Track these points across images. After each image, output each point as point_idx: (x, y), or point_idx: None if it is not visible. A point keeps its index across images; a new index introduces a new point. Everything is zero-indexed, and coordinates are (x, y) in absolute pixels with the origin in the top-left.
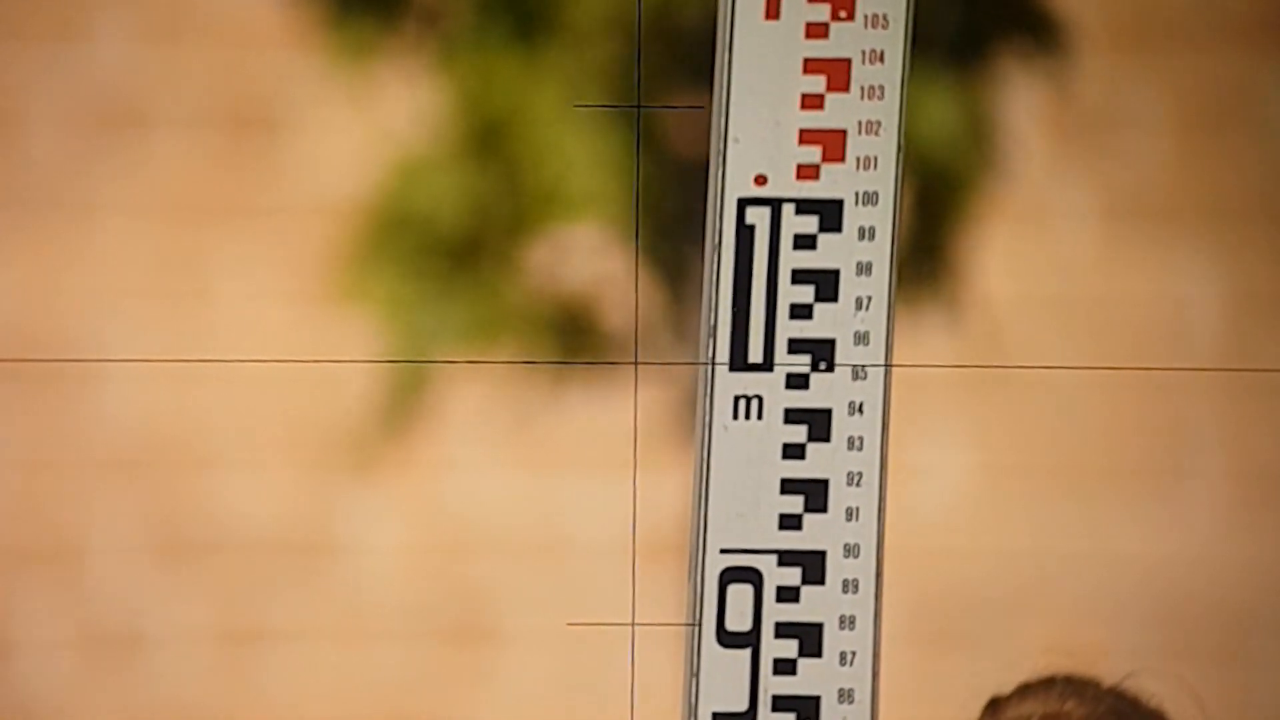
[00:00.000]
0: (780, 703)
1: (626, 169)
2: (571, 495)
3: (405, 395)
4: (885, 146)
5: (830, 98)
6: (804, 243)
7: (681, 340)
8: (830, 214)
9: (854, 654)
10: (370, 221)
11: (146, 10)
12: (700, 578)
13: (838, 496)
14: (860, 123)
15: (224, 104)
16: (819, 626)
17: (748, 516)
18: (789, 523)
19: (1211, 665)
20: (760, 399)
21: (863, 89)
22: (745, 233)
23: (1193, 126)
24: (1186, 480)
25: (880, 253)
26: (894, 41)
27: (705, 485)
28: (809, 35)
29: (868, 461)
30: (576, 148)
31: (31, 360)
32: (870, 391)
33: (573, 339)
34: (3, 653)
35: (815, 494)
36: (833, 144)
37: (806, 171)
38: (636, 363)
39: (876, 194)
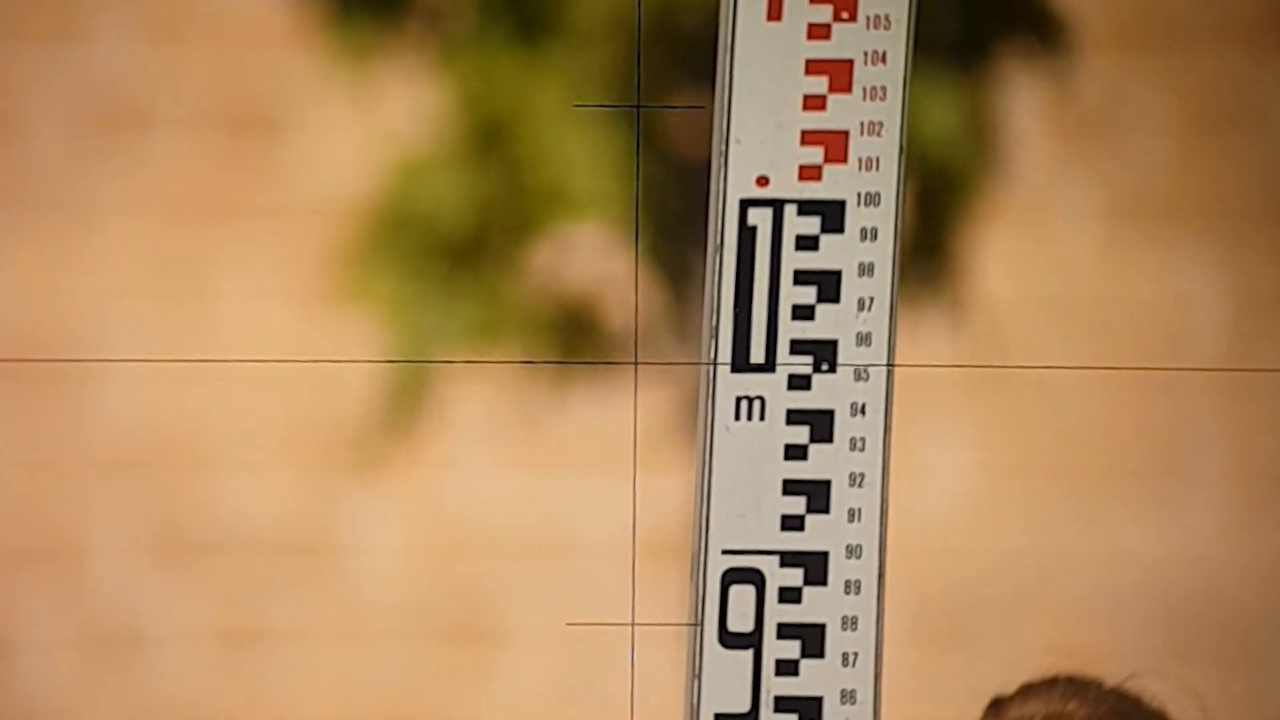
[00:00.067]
0: (782, 704)
1: (628, 169)
2: (572, 495)
3: (406, 395)
4: (887, 147)
5: (832, 99)
6: (806, 244)
7: (683, 340)
8: (832, 215)
9: (856, 655)
10: (371, 222)
11: (147, 10)
12: (702, 578)
13: (840, 497)
14: (862, 124)
15: (225, 104)
16: (821, 627)
17: (750, 517)
18: (791, 524)
19: (1213, 665)
20: (762, 400)
21: (865, 90)
22: (747, 234)
23: (1194, 127)
24: (1187, 480)
25: (882, 254)
26: (896, 42)
27: (707, 486)
28: (811, 36)
29: (870, 462)
30: (578, 148)
31: (32, 360)
32: (872, 392)
33: (574, 339)
34: (3, 653)
35: (817, 495)
36: (835, 145)
37: (808, 172)
38: (636, 363)
39: (879, 195)
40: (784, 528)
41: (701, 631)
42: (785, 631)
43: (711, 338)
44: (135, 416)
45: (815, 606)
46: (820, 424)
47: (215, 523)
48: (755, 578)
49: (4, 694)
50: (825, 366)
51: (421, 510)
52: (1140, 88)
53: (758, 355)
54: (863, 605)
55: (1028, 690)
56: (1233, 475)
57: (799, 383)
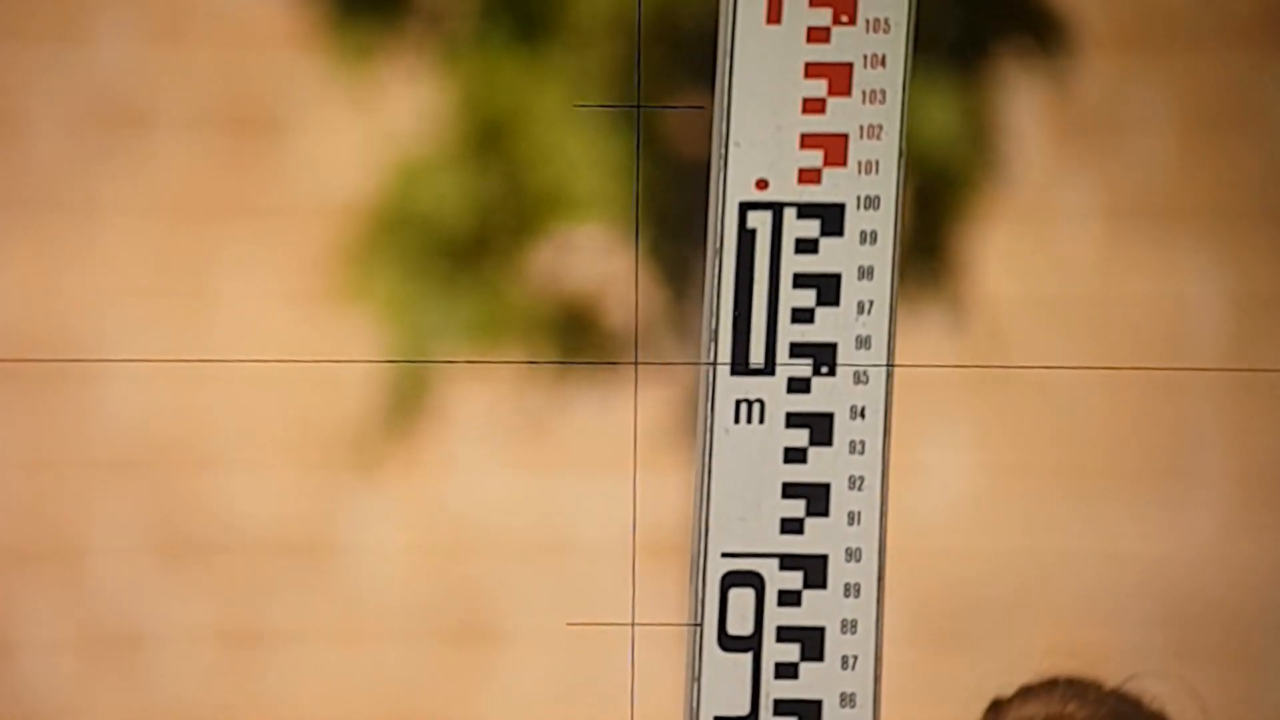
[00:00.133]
0: (782, 707)
1: (628, 169)
2: (572, 495)
3: (407, 395)
4: (887, 151)
5: (832, 102)
6: (805, 247)
7: (683, 341)
8: (832, 218)
9: (856, 658)
10: (372, 222)
11: (148, 10)
12: (702, 581)
13: (839, 500)
14: (862, 127)
15: (226, 104)
16: (821, 630)
17: (749, 520)
18: (790, 527)
19: (1213, 665)
20: (762, 403)
21: (864, 93)
22: (747, 237)
23: (1194, 126)
24: (1188, 480)
25: (882, 257)
26: (895, 46)
27: (707, 489)
28: (810, 39)
29: (869, 465)
30: (578, 148)
31: (33, 360)
32: (872, 395)
33: (575, 339)
34: (4, 653)
35: (817, 498)
36: (834, 148)
37: (808, 176)
38: (636, 362)
39: (878, 198)
40: (783, 531)
41: (701, 634)
42: (785, 634)
43: (711, 340)
44: (136, 416)
45: (815, 609)
46: (820, 427)
47: (216, 523)
48: (755, 581)
49: (5, 694)
50: (825, 369)
51: (422, 510)
52: (1140, 88)
53: (757, 358)
54: (862, 608)
55: (1027, 692)
56: (1233, 475)
57: (798, 386)
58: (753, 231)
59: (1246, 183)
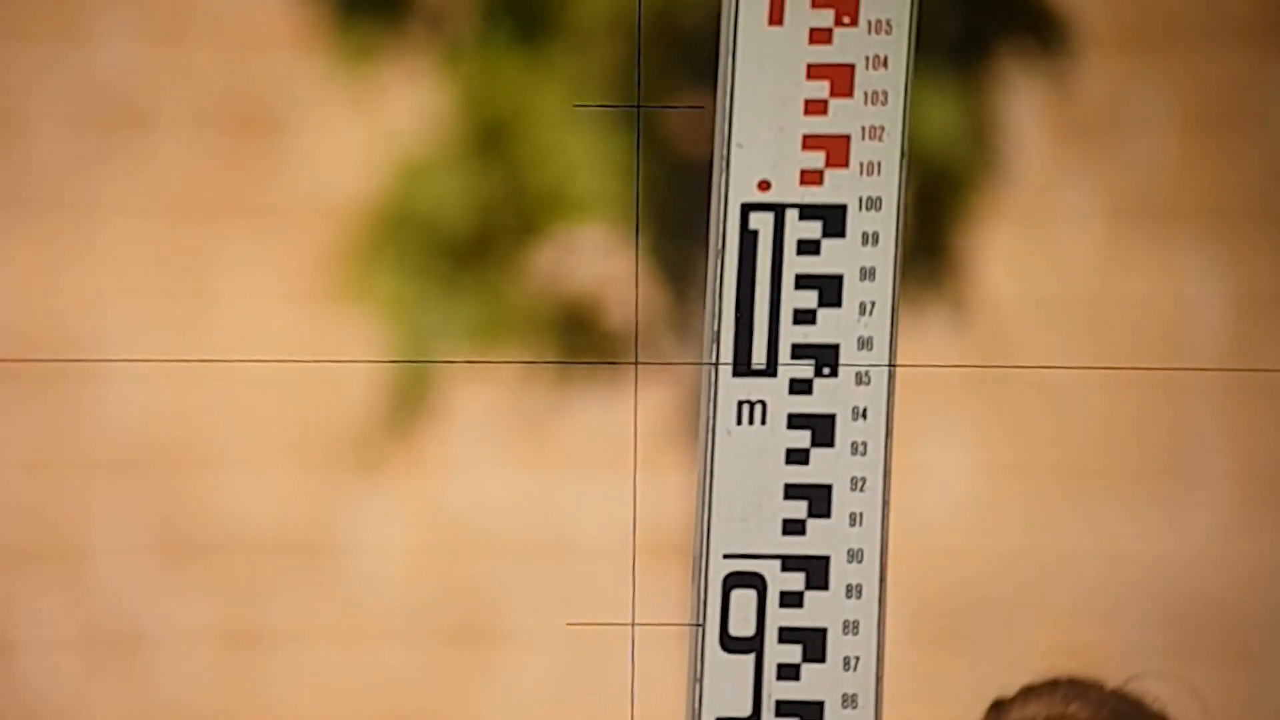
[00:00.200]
0: (784, 708)
1: (630, 170)
2: (573, 496)
3: (407, 396)
4: (889, 152)
5: (834, 103)
6: (807, 248)
7: (684, 341)
8: (834, 219)
9: (858, 659)
10: (373, 222)
11: (149, 10)
12: (704, 582)
13: (841, 501)
14: (864, 128)
15: (227, 104)
16: (822, 631)
17: (751, 521)
18: (792, 528)
19: (1214, 665)
20: (764, 404)
21: (866, 94)
22: (749, 238)
23: (1195, 126)
24: (1188, 480)
25: (884, 258)
26: (898, 47)
27: (708, 490)
28: (812, 40)
29: (871, 466)
30: (580, 149)
31: (33, 360)
32: (874, 396)
33: (576, 340)
34: (4, 653)
35: (819, 499)
36: (836, 149)
37: (810, 177)
38: (637, 362)
39: (880, 199)
40: (785, 532)
41: (703, 635)
42: (786, 636)
43: (713, 341)
44: (136, 416)
45: (816, 611)
46: (821, 428)
47: (216, 523)
48: (757, 582)
49: (5, 694)
50: (827, 371)
51: (422, 510)
52: (1140, 88)
53: (759, 359)
54: (864, 609)
55: (1029, 692)
56: (1233, 475)
57: (800, 387)
58: (755, 232)
59: (1247, 183)
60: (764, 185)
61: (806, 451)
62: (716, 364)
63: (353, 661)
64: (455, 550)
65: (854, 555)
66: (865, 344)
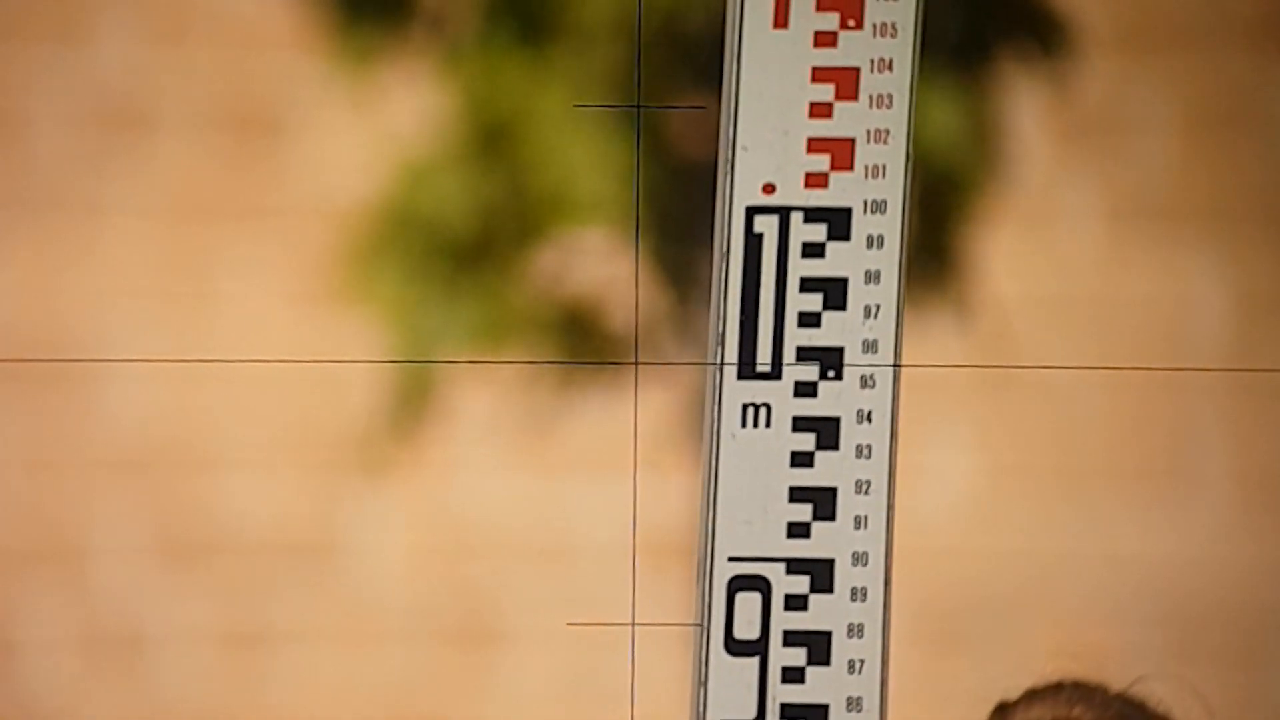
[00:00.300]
0: (788, 711)
1: (631, 172)
2: (576, 497)
3: (409, 397)
4: (894, 155)
5: (839, 106)
6: (812, 251)
7: (686, 343)
8: (839, 222)
9: (862, 662)
10: (375, 223)
11: (150, 11)
12: (708, 585)
13: (846, 504)
14: (869, 131)
15: (228, 105)
16: (827, 634)
17: (756, 524)
18: (797, 531)
19: (1217, 666)
20: (769, 407)
21: (871, 98)
22: (754, 241)
23: (1197, 127)
24: (1191, 481)
25: (889, 261)
26: (903, 50)
27: (713, 493)
28: (818, 44)
29: (876, 469)
30: (581, 151)
31: (34, 360)
32: (879, 399)
33: (578, 342)
34: (5, 653)
35: (823, 502)
36: (841, 152)
37: (815, 180)
38: (637, 363)
39: (885, 202)
40: (790, 535)
41: (707, 638)
42: (791, 639)
43: (718, 344)
44: (137, 417)
45: (821, 614)
46: (826, 431)
47: (218, 523)
48: (761, 585)
49: (5, 694)
50: (831, 374)
51: (425, 511)
52: (1141, 89)
53: (764, 362)
54: (869, 612)
55: (1033, 695)
56: (1235, 475)
57: (805, 390)
58: (760, 235)
59: (1248, 183)
60: (769, 188)
61: (811, 454)
62: (721, 366)
63: (354, 663)
64: (456, 551)
65: (859, 558)
66: (870, 347)
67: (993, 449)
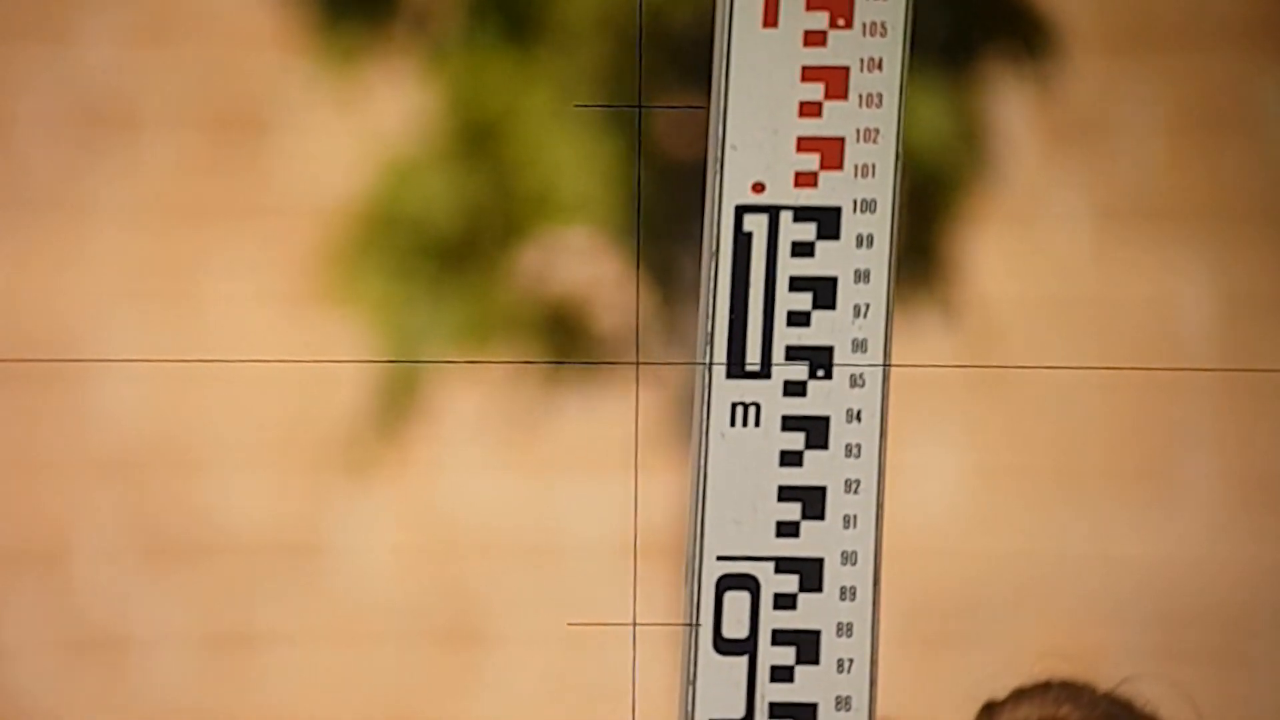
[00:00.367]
0: (777, 710)
1: (617, 172)
2: (562, 497)
3: (396, 397)
4: (883, 154)
5: (828, 105)
6: (802, 250)
7: (674, 343)
8: (828, 221)
9: (851, 661)
10: (360, 223)
11: (136, 12)
12: (697, 584)
13: (835, 504)
14: (858, 130)
15: (214, 105)
16: (816, 634)
17: (745, 523)
18: (786, 530)
19: (1209, 667)
20: (758, 406)
21: (861, 97)
22: (743, 240)
23: (1186, 128)
24: (1183, 481)
25: (878, 260)
26: (892, 49)
27: (702, 492)
28: (807, 43)
29: (865, 469)
30: (567, 150)
31: (21, 360)
32: (868, 399)
33: (563, 342)
34: None
35: (813, 501)
36: (831, 151)
37: (804, 179)
38: (638, 363)
39: (875, 201)
40: (779, 534)
41: (696, 637)
42: (780, 638)
43: (707, 344)
44: (126, 417)
45: (810, 613)
46: (816, 430)
47: (205, 524)
48: (750, 584)
49: None
50: (821, 373)
51: (413, 512)
52: (1131, 89)
53: (753, 361)
54: (858, 611)
55: (1020, 694)
56: (1227, 475)
57: (795, 389)
58: (749, 234)
59: (1237, 183)
60: (758, 187)
61: (800, 453)
62: (710, 365)
63: (343, 664)
64: (445, 552)
65: (848, 557)
66: (860, 346)
67: (982, 448)
